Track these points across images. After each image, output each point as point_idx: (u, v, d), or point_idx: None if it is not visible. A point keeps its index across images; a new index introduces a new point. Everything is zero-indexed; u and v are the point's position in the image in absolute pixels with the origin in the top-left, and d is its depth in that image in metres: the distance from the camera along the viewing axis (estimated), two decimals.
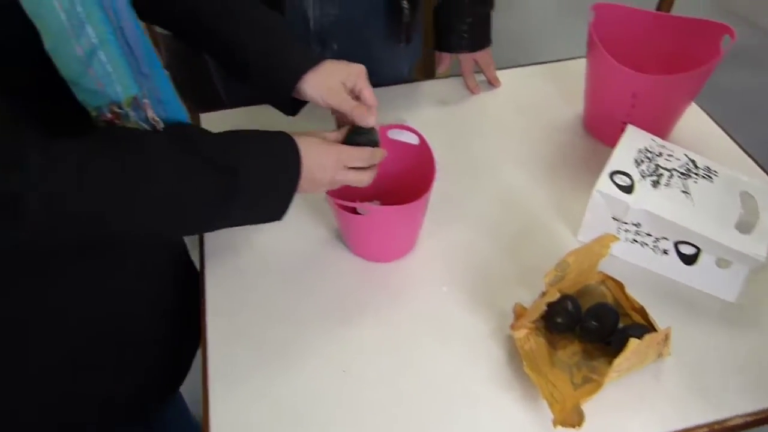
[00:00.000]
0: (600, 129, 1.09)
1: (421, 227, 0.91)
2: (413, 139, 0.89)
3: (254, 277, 0.89)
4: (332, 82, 0.77)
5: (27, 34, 0.50)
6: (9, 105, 0.50)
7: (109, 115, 0.55)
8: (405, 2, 1.07)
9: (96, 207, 0.53)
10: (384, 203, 0.97)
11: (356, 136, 0.77)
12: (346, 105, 0.77)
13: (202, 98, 1.31)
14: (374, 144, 0.78)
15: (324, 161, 0.70)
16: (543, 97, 1.20)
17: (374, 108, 0.78)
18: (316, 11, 1.07)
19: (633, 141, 0.94)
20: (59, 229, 0.53)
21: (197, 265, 0.92)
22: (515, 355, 0.79)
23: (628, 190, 0.86)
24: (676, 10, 2.07)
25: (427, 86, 1.24)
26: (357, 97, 0.79)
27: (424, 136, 0.89)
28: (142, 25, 0.59)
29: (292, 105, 0.81)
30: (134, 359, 0.79)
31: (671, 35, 1.05)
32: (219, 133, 0.66)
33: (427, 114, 1.16)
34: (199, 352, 0.88)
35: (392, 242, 0.89)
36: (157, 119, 0.57)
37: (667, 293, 0.87)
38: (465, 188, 1.01)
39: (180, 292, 0.87)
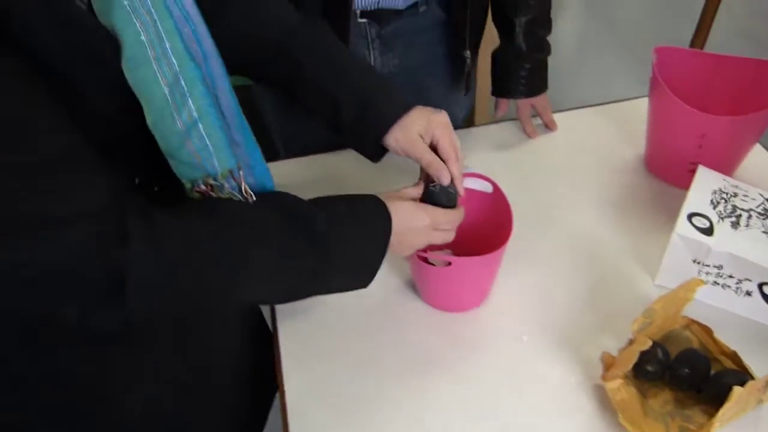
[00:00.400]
0: (665, 170, 1.08)
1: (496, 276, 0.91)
2: (486, 188, 0.90)
3: (326, 328, 0.88)
4: (411, 133, 0.78)
5: (131, 108, 0.52)
6: (115, 177, 0.51)
7: (204, 187, 0.56)
8: (467, 52, 1.09)
9: (198, 286, 0.55)
10: (455, 252, 0.97)
11: (436, 192, 0.77)
12: (424, 159, 0.77)
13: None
14: (454, 199, 0.78)
15: (416, 225, 0.71)
16: (601, 139, 1.20)
17: (452, 161, 0.78)
18: (377, 62, 1.09)
19: (706, 182, 0.93)
20: (159, 306, 0.54)
21: (267, 317, 0.92)
22: (607, 406, 0.77)
23: (708, 232, 0.85)
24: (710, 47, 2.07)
25: (484, 131, 1.25)
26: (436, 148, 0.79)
27: (500, 187, 0.90)
28: (233, 89, 0.60)
29: (378, 152, 0.82)
30: (214, 411, 0.79)
31: (732, 76, 1.05)
32: (312, 202, 0.67)
33: (487, 159, 1.16)
34: (276, 404, 0.87)
35: (468, 293, 0.89)
36: (250, 192, 0.58)
37: (755, 336, 0.85)
38: (535, 234, 1.01)
39: (254, 345, 0.87)
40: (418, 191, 0.77)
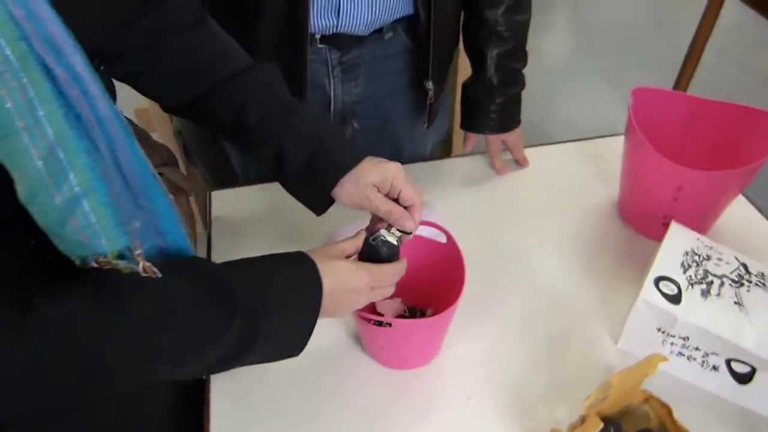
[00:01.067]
0: (638, 220, 1.02)
1: (446, 332, 0.84)
2: (441, 238, 0.83)
3: (263, 381, 0.81)
4: (365, 185, 0.72)
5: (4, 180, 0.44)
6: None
7: (96, 265, 0.48)
8: (430, 83, 1.02)
9: (82, 381, 0.48)
10: (405, 300, 0.90)
11: (376, 246, 0.70)
12: (382, 209, 0.72)
13: (213, 167, 1.25)
14: (397, 253, 0.71)
15: (353, 287, 0.64)
16: (575, 178, 1.13)
17: (417, 208, 0.73)
18: (338, 90, 1.02)
19: (678, 241, 0.86)
20: (24, 405, 0.47)
21: None
22: None
23: (675, 299, 0.79)
24: (701, 74, 2.01)
25: (450, 164, 1.18)
26: (396, 198, 0.74)
27: (449, 231, 0.83)
28: (140, 148, 0.53)
29: (325, 205, 0.76)
30: None
31: (716, 123, 0.99)
32: (230, 269, 0.59)
33: (452, 195, 1.09)
34: None
35: (413, 352, 0.82)
36: (153, 270, 0.50)
37: (720, 415, 0.79)
38: (494, 282, 0.94)
39: (179, 395, 0.80)
40: (355, 245, 0.70)
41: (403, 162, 1.09)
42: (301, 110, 0.74)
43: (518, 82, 1.08)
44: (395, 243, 0.71)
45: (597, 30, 3.32)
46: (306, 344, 0.63)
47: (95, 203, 0.46)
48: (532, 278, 0.95)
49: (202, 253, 1.02)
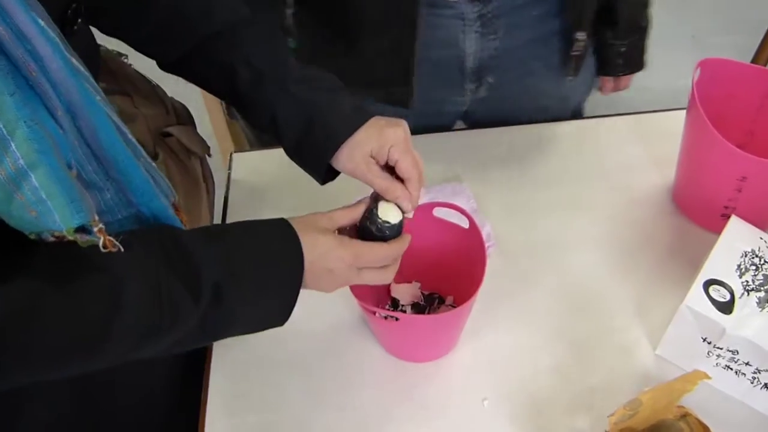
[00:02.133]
0: (694, 209, 0.91)
1: (465, 325, 0.77)
2: (463, 221, 0.75)
3: (263, 371, 0.77)
4: (359, 156, 0.64)
5: None
6: None
7: (52, 239, 0.44)
8: (581, 33, 0.95)
9: (30, 362, 0.44)
10: (425, 286, 0.83)
11: (367, 228, 0.63)
12: (376, 185, 0.64)
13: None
14: (395, 234, 0.64)
15: (333, 266, 0.58)
16: (628, 158, 1.01)
17: (413, 182, 0.64)
18: (475, 46, 0.95)
19: (737, 239, 0.76)
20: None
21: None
22: None
23: (726, 308, 0.69)
24: None
25: (485, 135, 1.07)
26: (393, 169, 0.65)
27: (473, 210, 0.75)
28: (115, 117, 0.47)
29: (328, 175, 0.68)
30: None
31: None
32: (203, 234, 0.54)
33: (487, 171, 1.00)
34: None
35: (427, 346, 0.76)
36: (115, 243, 0.45)
37: None
38: (523, 274, 0.86)
39: (177, 380, 0.77)
40: (351, 216, 0.63)
41: (551, 119, 1.07)
42: (297, 71, 0.66)
43: (645, 17, 1.03)
44: (392, 222, 0.63)
45: None
46: (288, 316, 0.58)
47: (44, 178, 0.41)
48: (566, 270, 0.86)
49: (217, 216, 0.98)
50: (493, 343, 0.79)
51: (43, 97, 0.42)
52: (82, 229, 0.44)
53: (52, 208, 0.42)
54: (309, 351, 0.79)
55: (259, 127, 0.68)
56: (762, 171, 0.77)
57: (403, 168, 0.64)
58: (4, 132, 0.40)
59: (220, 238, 0.55)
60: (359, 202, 0.65)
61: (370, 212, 0.63)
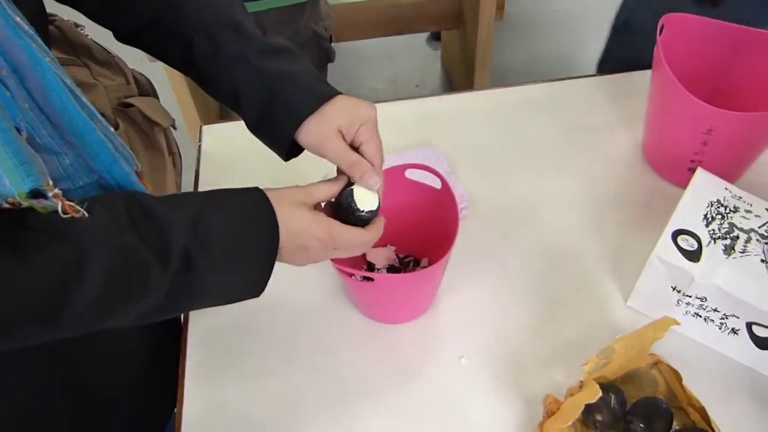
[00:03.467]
0: (663, 165, 0.92)
1: (440, 285, 0.78)
2: (436, 183, 0.75)
3: (242, 338, 0.77)
4: (328, 129, 0.62)
5: None
6: None
7: (7, 205, 0.42)
8: None
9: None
10: (400, 249, 0.84)
11: (354, 209, 0.61)
12: (343, 160, 0.62)
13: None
14: (367, 221, 0.62)
15: (308, 243, 0.57)
16: (598, 118, 1.03)
17: (376, 166, 0.62)
18: None
19: (703, 190, 0.77)
20: None
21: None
22: None
23: (694, 256, 0.71)
24: None
25: (458, 100, 1.08)
26: (358, 149, 0.63)
27: (447, 173, 0.75)
28: (68, 80, 0.46)
29: (289, 150, 0.66)
30: (98, 419, 0.69)
31: (762, 57, 0.87)
32: (173, 200, 0.52)
33: (460, 135, 1.00)
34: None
35: (403, 306, 0.76)
36: (77, 208, 0.44)
37: (736, 382, 0.72)
38: (498, 233, 0.87)
39: (158, 351, 0.76)
40: (331, 191, 0.61)
41: None
42: (258, 41, 0.64)
43: None
44: (371, 209, 0.61)
45: None
46: (262, 290, 0.56)
47: None
48: (540, 230, 0.88)
49: (188, 188, 0.97)
50: (469, 302, 0.80)
51: None
52: (39, 194, 0.42)
53: (1, 172, 0.41)
54: (286, 317, 0.79)
55: (221, 100, 0.66)
56: (726, 123, 0.78)
57: (369, 151, 0.63)
58: None
59: (190, 204, 0.52)
60: (338, 176, 0.63)
61: (346, 197, 0.61)
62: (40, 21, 0.54)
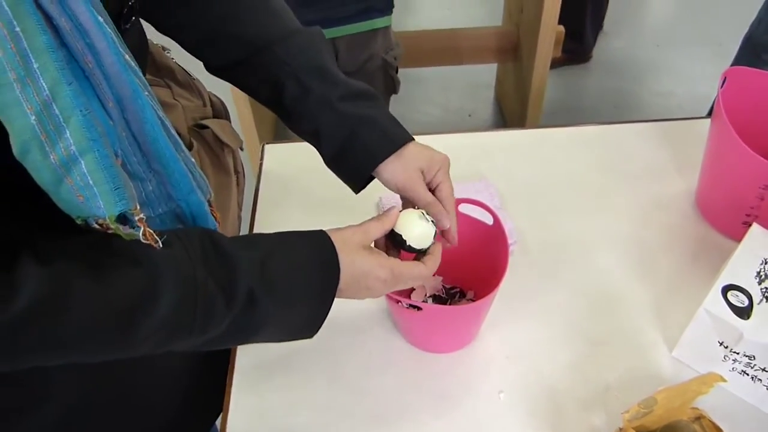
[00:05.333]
0: (716, 215, 0.92)
1: (485, 320, 0.79)
2: (487, 218, 0.77)
3: (289, 353, 0.80)
4: (412, 171, 0.67)
5: None
6: None
7: (97, 226, 0.46)
8: None
9: (62, 345, 0.46)
10: (447, 280, 0.85)
11: (405, 243, 0.64)
12: (422, 199, 0.67)
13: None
14: (425, 252, 0.66)
15: (371, 282, 0.60)
16: (653, 164, 1.03)
17: (451, 210, 0.68)
18: None
19: (757, 246, 0.77)
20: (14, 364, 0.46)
21: None
22: None
23: (744, 313, 0.70)
24: None
25: (512, 136, 1.10)
26: (433, 190, 0.69)
27: (497, 207, 0.77)
28: (160, 112, 0.49)
29: (362, 184, 0.71)
30: (143, 423, 0.72)
31: None
32: (243, 241, 0.56)
33: (512, 170, 1.02)
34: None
35: (447, 337, 0.78)
36: (156, 238, 0.47)
37: None
38: (544, 272, 0.88)
39: (206, 361, 0.79)
40: (383, 228, 0.64)
41: None
42: (342, 86, 0.69)
43: None
44: (422, 250, 0.66)
45: None
46: (317, 330, 0.59)
47: (93, 164, 0.43)
48: (587, 270, 0.88)
49: (247, 206, 1.01)
50: (512, 337, 0.80)
51: (96, 88, 0.45)
52: (124, 220, 0.46)
53: (97, 194, 0.44)
54: (332, 337, 0.81)
55: (301, 135, 0.72)
56: None
57: (445, 191, 0.69)
58: (60, 119, 0.42)
59: (258, 246, 0.56)
60: (387, 212, 0.66)
61: (406, 216, 0.65)
62: (143, 55, 0.59)
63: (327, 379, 0.77)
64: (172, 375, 0.73)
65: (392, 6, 1.47)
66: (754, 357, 0.70)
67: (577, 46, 2.63)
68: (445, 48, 2.21)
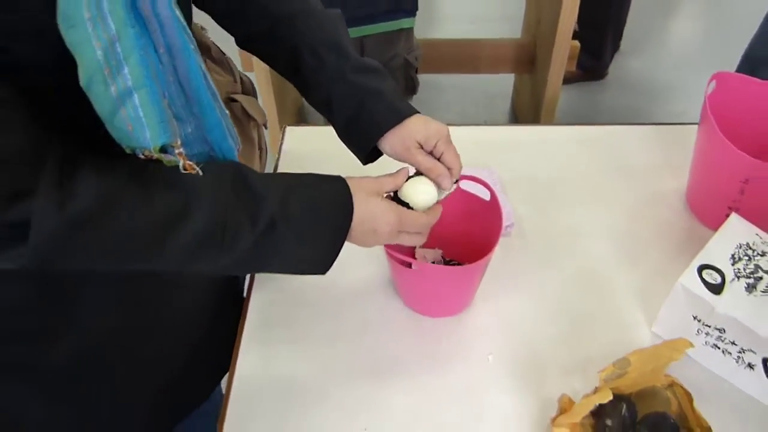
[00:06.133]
0: (703, 210, 0.98)
1: (478, 287, 0.86)
2: (485, 194, 0.84)
3: (294, 309, 0.87)
4: (410, 141, 0.74)
5: (68, 65, 0.50)
6: (39, 131, 0.50)
7: (143, 156, 0.54)
8: None
9: (105, 251, 0.53)
10: (446, 253, 0.92)
11: (414, 191, 0.72)
12: (423, 164, 0.74)
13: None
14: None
15: (380, 227, 0.66)
16: (648, 163, 1.09)
17: (456, 171, 0.74)
18: None
19: (734, 233, 0.83)
20: (64, 261, 0.53)
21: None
22: None
23: (716, 289, 0.76)
24: None
25: (527, 132, 1.17)
26: (438, 159, 0.75)
27: (498, 191, 0.84)
28: (199, 60, 0.58)
29: (369, 155, 0.78)
30: (152, 377, 0.79)
31: None
32: (269, 176, 0.63)
33: (517, 164, 1.09)
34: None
35: (444, 300, 0.85)
36: (194, 166, 0.55)
37: (747, 414, 0.77)
38: (538, 255, 0.94)
39: (222, 312, 0.87)
40: (395, 182, 0.72)
41: None
42: (354, 60, 0.76)
43: None
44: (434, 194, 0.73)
45: (730, 15, 3.10)
46: (329, 266, 0.66)
47: (144, 99, 0.51)
48: (579, 254, 0.95)
49: None
50: (504, 309, 0.87)
51: (152, 35, 0.53)
52: (166, 151, 0.54)
53: (145, 125, 0.52)
54: (334, 296, 0.88)
55: (315, 106, 0.79)
56: (761, 173, 0.84)
57: (448, 158, 0.74)
58: (121, 56, 0.50)
59: (283, 182, 0.63)
60: (400, 170, 0.73)
61: (415, 177, 0.73)
62: (188, 14, 0.67)
63: (328, 334, 0.84)
64: (189, 321, 0.80)
65: (417, 8, 1.57)
66: (724, 330, 0.76)
67: (594, 63, 2.70)
68: (463, 56, 2.30)
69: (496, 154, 1.10)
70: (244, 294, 0.90)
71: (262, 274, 0.90)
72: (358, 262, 0.91)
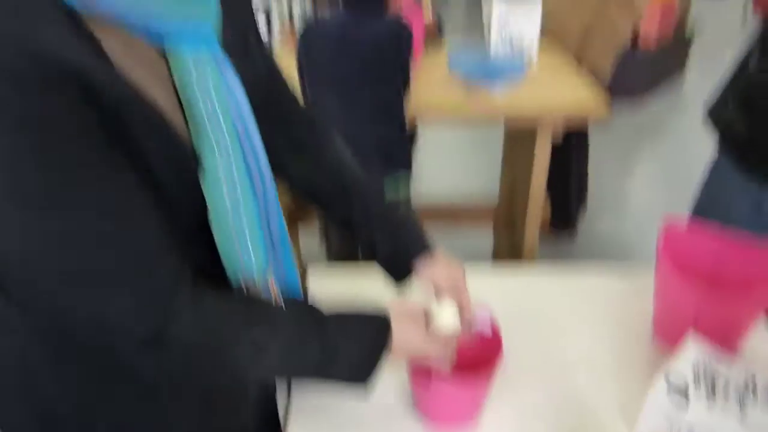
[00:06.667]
0: (670, 338, 1.15)
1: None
2: (486, 330, 1.01)
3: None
4: (451, 269, 0.94)
5: (198, 207, 0.66)
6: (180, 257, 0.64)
7: (244, 288, 0.70)
8: None
9: (221, 358, 0.67)
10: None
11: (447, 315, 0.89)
12: (465, 298, 0.92)
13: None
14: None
15: (413, 350, 0.83)
16: (623, 296, 1.28)
17: (467, 309, 0.93)
18: None
19: (690, 352, 0.99)
20: (186, 364, 0.68)
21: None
22: None
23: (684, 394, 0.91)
24: None
25: (511, 273, 1.36)
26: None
27: (499, 328, 1.01)
28: (279, 206, 0.75)
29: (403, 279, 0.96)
30: None
31: (740, 264, 1.13)
32: (331, 315, 0.78)
33: (504, 300, 1.23)
34: None
35: (450, 412, 0.98)
36: (278, 295, 0.72)
37: None
38: (523, 378, 1.08)
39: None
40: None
41: None
42: (392, 216, 0.96)
43: None
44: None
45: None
46: (371, 383, 0.78)
47: (254, 236, 0.67)
48: (561, 384, 1.09)
49: None
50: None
51: (254, 180, 0.69)
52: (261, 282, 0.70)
53: (253, 256, 0.67)
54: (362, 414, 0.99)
55: (358, 243, 0.98)
56: (709, 302, 1.03)
57: (465, 300, 0.94)
58: (241, 200, 0.65)
59: (337, 316, 0.78)
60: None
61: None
62: None
63: None
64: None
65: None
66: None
67: (564, 221, 2.95)
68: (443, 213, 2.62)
69: (487, 293, 1.27)
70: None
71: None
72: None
